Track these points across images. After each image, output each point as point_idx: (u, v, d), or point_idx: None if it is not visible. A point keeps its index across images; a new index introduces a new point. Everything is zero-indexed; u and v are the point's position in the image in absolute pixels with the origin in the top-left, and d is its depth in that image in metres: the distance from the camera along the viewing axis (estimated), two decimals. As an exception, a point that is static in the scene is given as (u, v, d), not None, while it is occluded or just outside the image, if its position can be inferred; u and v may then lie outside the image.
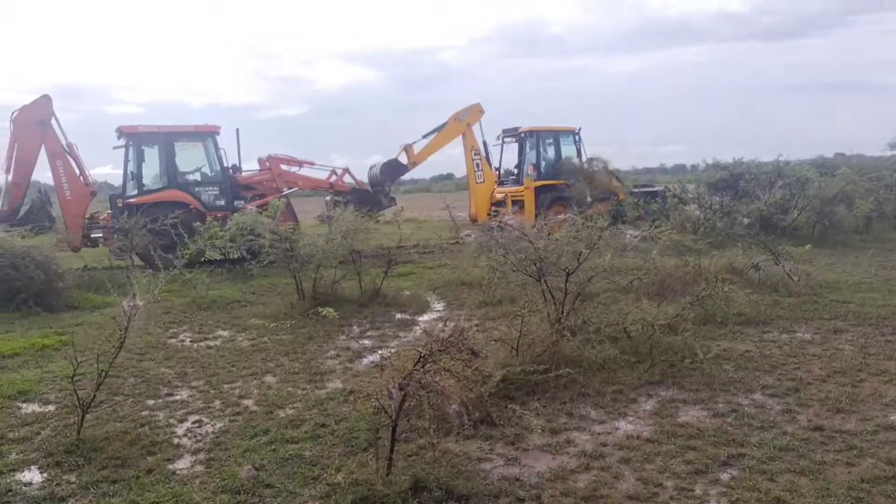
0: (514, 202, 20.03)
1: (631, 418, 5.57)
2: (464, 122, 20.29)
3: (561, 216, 17.36)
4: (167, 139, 16.61)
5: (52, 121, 16.80)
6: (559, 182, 20.07)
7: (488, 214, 20.20)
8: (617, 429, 5.34)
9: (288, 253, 10.07)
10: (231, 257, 13.58)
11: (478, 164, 20.59)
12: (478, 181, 20.75)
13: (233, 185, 17.01)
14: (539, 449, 4.96)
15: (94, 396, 5.23)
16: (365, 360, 7.63)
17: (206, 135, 17.07)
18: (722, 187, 20.39)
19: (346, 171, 18.83)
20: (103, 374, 5.13)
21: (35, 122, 16.54)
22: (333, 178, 18.49)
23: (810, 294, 10.27)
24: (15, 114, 16.69)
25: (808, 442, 4.91)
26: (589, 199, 18.95)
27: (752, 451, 4.75)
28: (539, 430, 5.07)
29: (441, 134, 19.97)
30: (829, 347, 7.58)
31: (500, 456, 4.85)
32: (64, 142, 16.91)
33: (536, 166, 20.67)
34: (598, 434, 5.22)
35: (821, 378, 6.46)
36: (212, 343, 8.65)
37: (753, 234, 12.11)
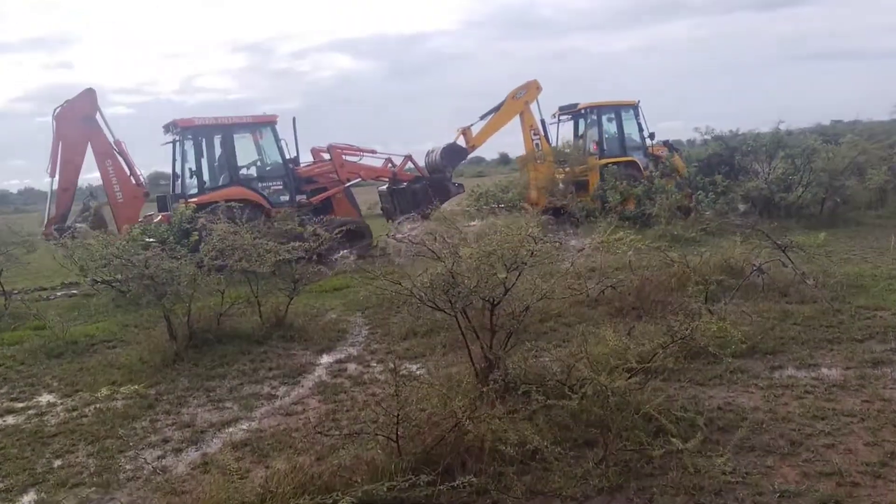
0: (576, 183, 18.19)
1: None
2: (521, 99, 18.68)
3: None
4: (226, 132, 14.77)
5: (98, 116, 15.51)
6: (624, 159, 18.33)
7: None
8: None
9: (144, 281, 7.64)
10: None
11: (537, 144, 18.94)
12: (538, 162, 18.96)
13: (295, 179, 15.28)
14: None
15: None
16: (191, 454, 5.25)
17: (264, 125, 15.32)
18: (716, 162, 17.96)
19: (409, 158, 17.18)
20: None
21: (80, 118, 15.24)
22: (390, 166, 16.82)
23: (830, 299, 7.90)
24: (57, 110, 15.28)
25: None
26: (561, 186, 16.53)
27: None
28: None
29: (499, 114, 18.47)
30: (872, 396, 5.22)
31: None
32: (112, 139, 15.57)
33: (599, 144, 18.78)
34: None
35: (871, 469, 4.08)
36: (12, 420, 6.26)
37: (752, 224, 9.77)
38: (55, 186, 15.62)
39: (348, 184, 16.09)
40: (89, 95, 15.54)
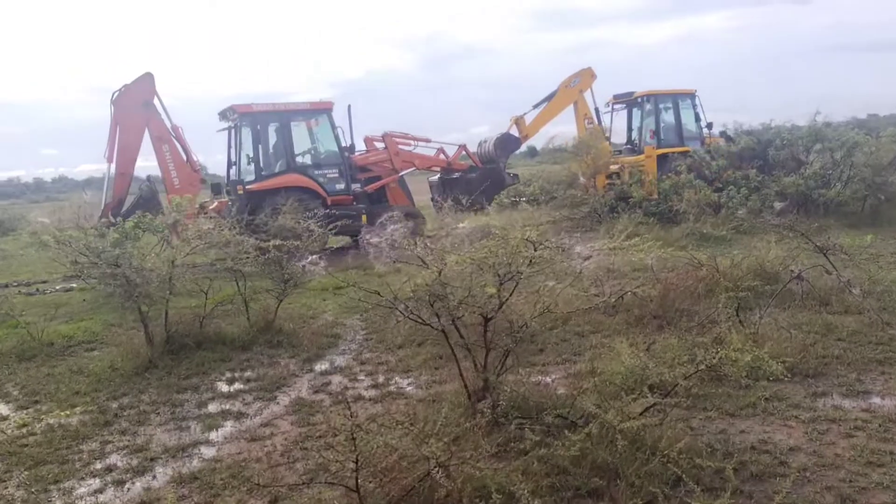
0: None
1: None
2: (575, 88, 18.36)
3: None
4: (283, 118, 14.61)
5: (156, 101, 15.31)
6: (681, 149, 17.60)
7: (604, 187, 17.92)
8: None
9: (116, 280, 6.96)
10: None
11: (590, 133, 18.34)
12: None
13: (351, 167, 15.04)
14: None
15: None
16: (133, 488, 4.55)
17: (320, 112, 15.12)
18: (748, 157, 16.91)
19: (463, 147, 16.85)
20: None
21: (138, 103, 15.12)
22: (442, 156, 16.51)
23: (878, 310, 6.99)
24: (115, 95, 15.15)
25: None
26: (582, 179, 15.68)
27: None
28: None
29: (552, 103, 18.17)
30: (937, 436, 4.36)
31: None
32: (169, 124, 15.41)
33: (656, 133, 18.13)
34: None
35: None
36: (-50, 438, 5.64)
37: (789, 224, 8.88)
38: (112, 172, 15.45)
39: (403, 172, 15.75)
40: (147, 80, 15.33)
